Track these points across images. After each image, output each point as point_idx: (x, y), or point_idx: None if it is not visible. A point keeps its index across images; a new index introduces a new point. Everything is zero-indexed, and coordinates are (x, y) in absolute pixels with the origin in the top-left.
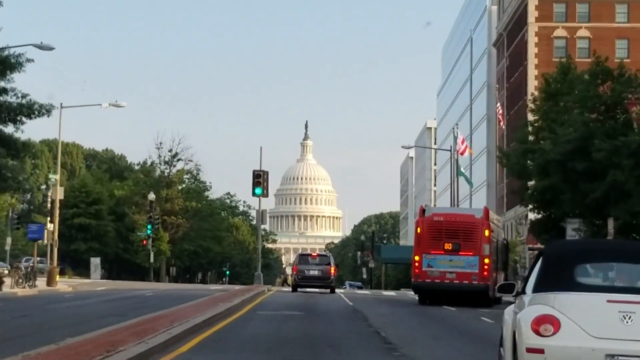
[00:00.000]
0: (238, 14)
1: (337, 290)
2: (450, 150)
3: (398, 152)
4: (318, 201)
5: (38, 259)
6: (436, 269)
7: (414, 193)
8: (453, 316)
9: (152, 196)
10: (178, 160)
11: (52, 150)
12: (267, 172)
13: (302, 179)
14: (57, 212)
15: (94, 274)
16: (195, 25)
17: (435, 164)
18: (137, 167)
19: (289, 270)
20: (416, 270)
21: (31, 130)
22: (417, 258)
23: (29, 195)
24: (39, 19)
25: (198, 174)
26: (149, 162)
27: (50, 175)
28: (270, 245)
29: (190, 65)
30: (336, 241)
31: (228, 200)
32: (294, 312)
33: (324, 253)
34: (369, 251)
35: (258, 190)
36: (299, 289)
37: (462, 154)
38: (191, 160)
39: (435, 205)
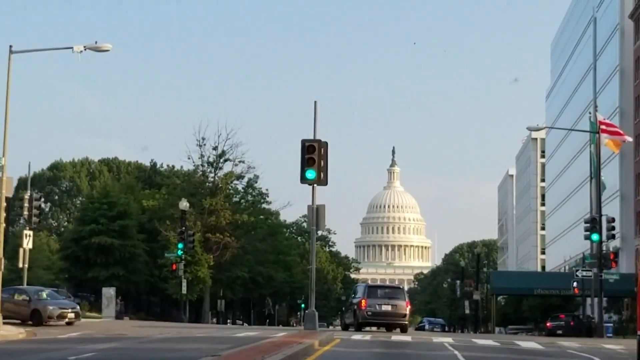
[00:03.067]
0: (321, 32)
1: (412, 330)
2: (595, 132)
3: (489, 179)
4: (406, 230)
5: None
6: None
7: (515, 216)
8: None
9: (184, 204)
10: (225, 160)
11: None
12: (326, 144)
13: (389, 207)
14: (1, 212)
15: (107, 310)
16: (274, 48)
17: (543, 179)
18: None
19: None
20: None
21: None
22: None
23: None
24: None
25: (256, 181)
26: (186, 166)
27: None
28: (354, 275)
29: (268, 84)
30: (425, 271)
31: (305, 224)
32: None
33: (396, 285)
34: (471, 280)
35: (310, 174)
36: (366, 327)
37: (615, 140)
38: (242, 162)
39: (543, 228)
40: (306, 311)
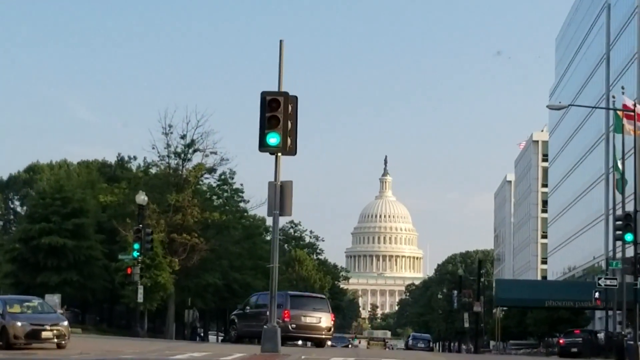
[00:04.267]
0: (309, 44)
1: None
2: (617, 109)
3: (483, 188)
4: (397, 240)
5: None
6: None
7: (513, 224)
8: None
9: (141, 198)
10: (194, 151)
11: None
12: (295, 99)
13: (381, 216)
14: None
15: None
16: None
17: (544, 184)
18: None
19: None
20: None
21: None
22: None
23: None
24: None
25: (232, 177)
26: (150, 158)
27: None
28: (344, 285)
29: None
30: (417, 282)
31: (292, 230)
32: None
33: (319, 295)
34: (470, 290)
35: (273, 138)
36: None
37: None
38: (214, 153)
39: (544, 236)
40: (264, 327)
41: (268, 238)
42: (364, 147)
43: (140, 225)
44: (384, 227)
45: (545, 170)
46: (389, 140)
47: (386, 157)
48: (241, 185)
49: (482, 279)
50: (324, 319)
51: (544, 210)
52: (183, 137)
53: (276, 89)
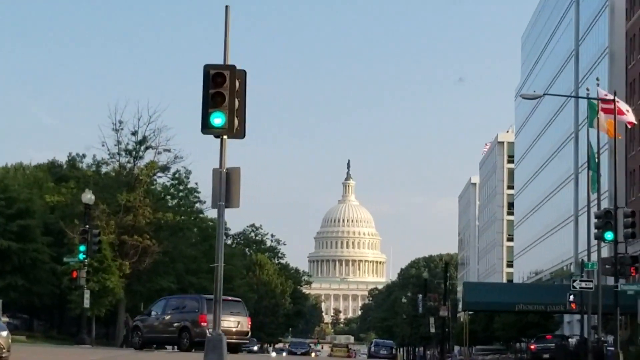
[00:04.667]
0: (280, 47)
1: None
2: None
3: (447, 192)
4: (361, 245)
5: None
6: None
7: (478, 227)
8: None
9: (88, 197)
10: (147, 148)
11: None
12: (244, 74)
13: (344, 221)
14: None
15: None
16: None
17: (510, 186)
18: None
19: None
20: None
21: None
22: None
23: None
24: None
25: (187, 176)
26: (99, 155)
27: None
28: (306, 290)
29: None
30: (380, 287)
31: (253, 234)
32: None
33: (236, 298)
34: (435, 294)
35: (217, 118)
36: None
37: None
38: (168, 150)
39: (510, 239)
40: (207, 336)
41: (228, 242)
42: (326, 150)
43: (87, 226)
44: (347, 231)
45: (510, 172)
46: (352, 144)
47: (349, 161)
48: (196, 184)
49: (448, 282)
50: (241, 323)
51: (510, 213)
52: (134, 133)
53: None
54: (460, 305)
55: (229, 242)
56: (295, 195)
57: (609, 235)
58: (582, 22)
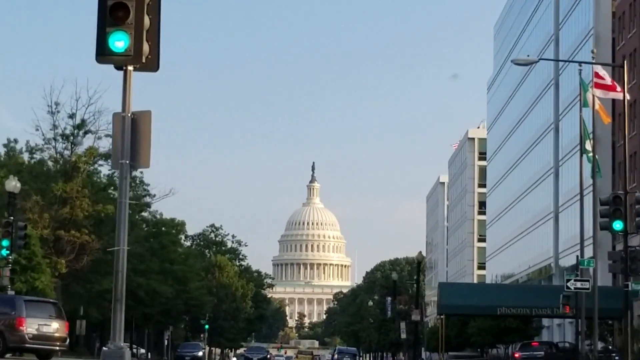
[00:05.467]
0: (241, 49)
1: None
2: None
3: (413, 194)
4: (325, 248)
5: None
6: None
7: (447, 227)
8: None
9: (12, 184)
10: (86, 133)
11: None
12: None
13: (308, 224)
14: None
15: None
16: (200, 63)
17: (482, 184)
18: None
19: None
20: None
21: None
22: None
23: None
24: None
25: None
26: (33, 140)
27: None
28: (270, 294)
29: (191, 104)
30: (345, 291)
31: (212, 235)
32: None
33: (54, 300)
34: (404, 296)
35: (118, 40)
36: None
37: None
38: (109, 135)
39: (482, 239)
40: (104, 348)
41: (188, 244)
42: (291, 152)
43: (11, 218)
44: (312, 234)
45: (482, 169)
46: (317, 145)
47: (314, 163)
48: (141, 172)
49: (420, 283)
50: (60, 328)
51: (481, 212)
52: (72, 116)
53: None
54: (428, 309)
55: (188, 243)
56: (259, 198)
57: (617, 225)
58: (562, 5)
